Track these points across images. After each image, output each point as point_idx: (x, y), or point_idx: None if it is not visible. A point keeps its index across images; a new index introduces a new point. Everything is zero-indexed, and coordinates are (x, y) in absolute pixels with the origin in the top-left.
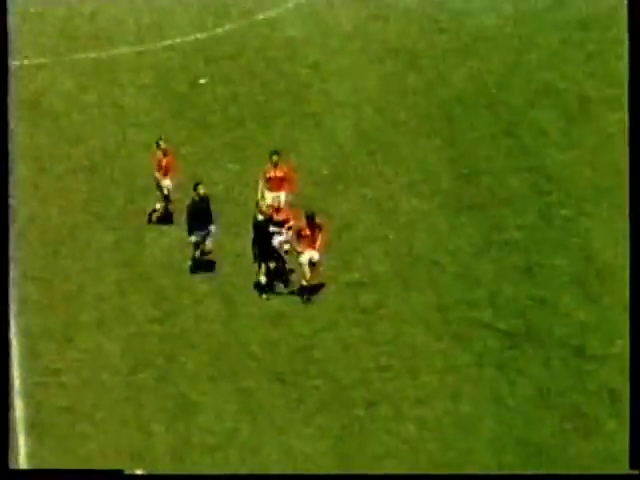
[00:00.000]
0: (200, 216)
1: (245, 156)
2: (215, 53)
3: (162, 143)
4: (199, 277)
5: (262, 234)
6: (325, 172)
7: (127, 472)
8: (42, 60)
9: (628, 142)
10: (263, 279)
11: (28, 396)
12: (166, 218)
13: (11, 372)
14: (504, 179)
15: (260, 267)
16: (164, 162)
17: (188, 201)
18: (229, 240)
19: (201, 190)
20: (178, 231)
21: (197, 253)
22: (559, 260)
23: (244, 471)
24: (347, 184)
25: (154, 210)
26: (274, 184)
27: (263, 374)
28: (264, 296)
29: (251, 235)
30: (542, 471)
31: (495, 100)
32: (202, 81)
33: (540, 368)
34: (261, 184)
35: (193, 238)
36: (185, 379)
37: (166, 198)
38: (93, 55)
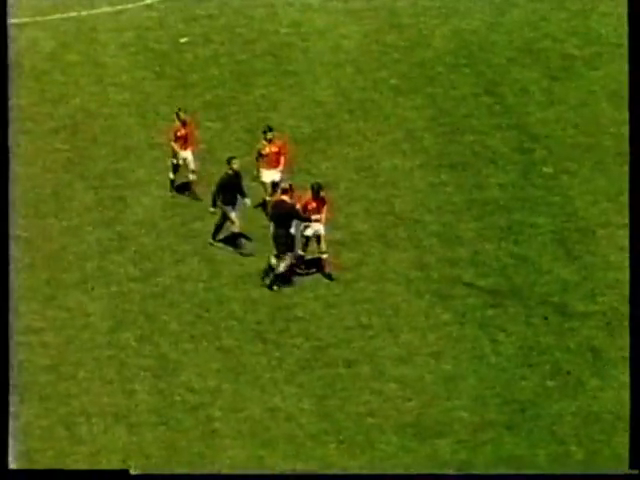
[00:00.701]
0: (231, 190)
1: (226, 115)
2: (195, 12)
3: (182, 114)
4: (180, 236)
5: (287, 223)
6: (306, 131)
7: (132, 472)
8: (23, 20)
9: (629, 141)
10: (282, 268)
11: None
12: (184, 189)
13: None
14: (486, 137)
15: (282, 257)
16: (182, 132)
17: (221, 175)
18: (210, 199)
19: (235, 165)
20: (161, 190)
21: (225, 225)
22: (541, 218)
23: (228, 431)
24: (328, 143)
25: (171, 180)
26: (271, 160)
27: (245, 333)
28: (275, 287)
29: (271, 227)
30: (524, 428)
31: (476, 59)
32: (183, 40)
33: (522, 326)
34: (258, 163)
35: (212, 210)
36: (167, 338)
37: (175, 168)
38: (74, 14)
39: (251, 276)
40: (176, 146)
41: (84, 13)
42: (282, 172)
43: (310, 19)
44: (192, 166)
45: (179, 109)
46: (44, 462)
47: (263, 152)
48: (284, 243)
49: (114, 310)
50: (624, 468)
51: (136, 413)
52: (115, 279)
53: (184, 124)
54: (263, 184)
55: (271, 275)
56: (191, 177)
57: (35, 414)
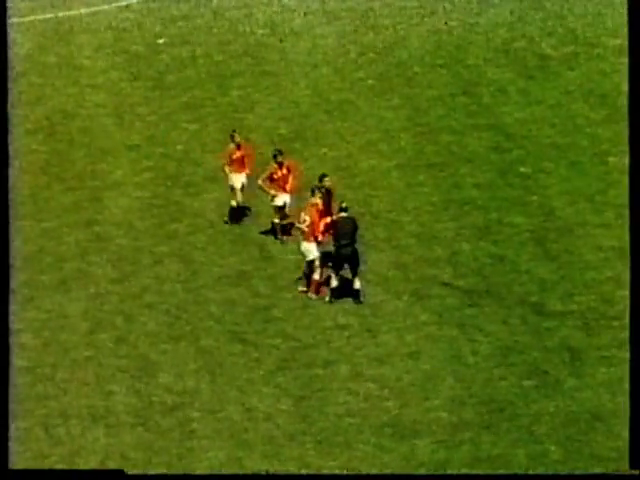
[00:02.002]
0: None
1: (202, 116)
2: (172, 13)
3: (237, 136)
4: (158, 237)
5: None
6: (283, 131)
7: (128, 472)
8: None
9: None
10: (335, 284)
11: None
12: (238, 216)
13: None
14: (463, 137)
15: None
16: (237, 155)
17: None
18: (188, 200)
19: (327, 183)
20: (138, 192)
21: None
22: (518, 218)
23: (206, 432)
24: (305, 143)
25: (231, 208)
26: (282, 184)
27: (223, 334)
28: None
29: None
30: (502, 427)
31: (453, 59)
32: (160, 41)
33: (500, 326)
34: (267, 186)
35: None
36: (145, 339)
37: (232, 190)
38: (50, 16)
39: (229, 277)
40: (228, 169)
41: (61, 14)
42: (291, 194)
43: (287, 20)
44: (239, 193)
45: (234, 131)
46: (22, 464)
47: (275, 176)
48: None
49: (92, 311)
50: (613, 467)
51: (114, 414)
52: (93, 280)
53: (238, 147)
54: (275, 207)
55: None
56: (236, 202)
57: (13, 415)
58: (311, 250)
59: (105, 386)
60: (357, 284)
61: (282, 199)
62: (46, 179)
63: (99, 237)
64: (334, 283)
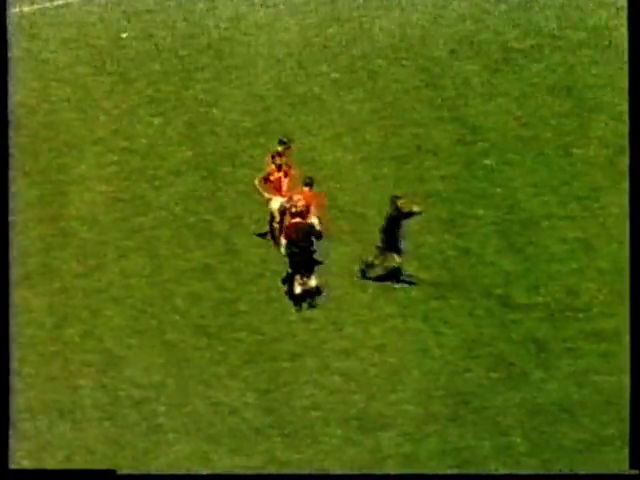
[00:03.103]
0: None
1: (167, 110)
2: (136, 7)
3: (278, 159)
4: (123, 232)
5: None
6: (247, 125)
7: (119, 472)
8: None
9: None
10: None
11: None
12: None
13: None
14: (427, 130)
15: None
16: (274, 177)
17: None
18: (154, 194)
19: (403, 205)
20: (103, 186)
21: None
22: (483, 210)
23: (173, 426)
24: (269, 137)
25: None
26: (277, 186)
27: (188, 327)
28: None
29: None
30: (468, 420)
31: (417, 52)
32: (123, 35)
33: (465, 318)
34: (262, 187)
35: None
36: (111, 333)
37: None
38: (15, 10)
39: (194, 271)
40: (261, 188)
41: (25, 9)
42: (286, 196)
43: (250, 13)
44: (276, 215)
45: (277, 152)
46: None
47: (272, 177)
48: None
49: (57, 306)
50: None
51: (80, 409)
52: (58, 275)
53: (279, 168)
54: (271, 211)
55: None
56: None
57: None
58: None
59: (71, 381)
60: (313, 282)
61: (277, 202)
62: (11, 173)
63: (64, 231)
64: (298, 290)
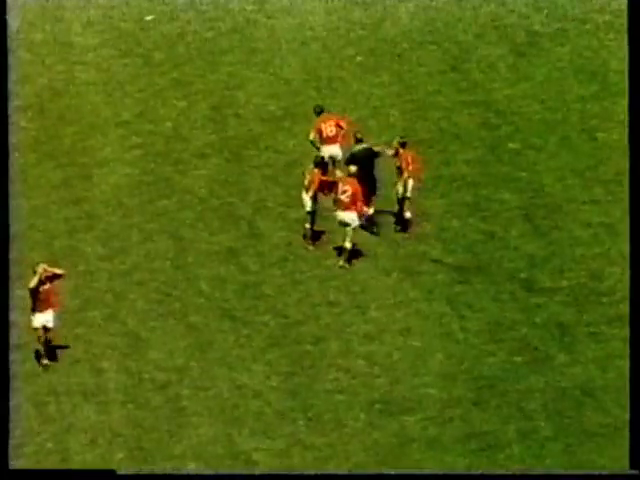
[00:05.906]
0: None
1: (192, 93)
2: None
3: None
4: (148, 214)
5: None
6: (272, 108)
7: (119, 472)
8: None
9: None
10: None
11: None
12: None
13: None
14: (452, 114)
15: None
16: (315, 178)
17: None
18: (178, 177)
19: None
20: (127, 169)
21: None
22: (507, 194)
23: (196, 409)
24: (294, 120)
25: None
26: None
27: (212, 311)
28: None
29: None
30: (492, 403)
31: (442, 35)
32: (148, 18)
33: (489, 302)
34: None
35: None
36: (135, 317)
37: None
38: None
39: (218, 254)
40: (305, 192)
41: None
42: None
43: None
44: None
45: (322, 158)
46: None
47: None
48: None
49: (82, 289)
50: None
51: (104, 391)
52: (83, 258)
53: (323, 172)
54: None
55: None
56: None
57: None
58: (353, 219)
59: (95, 364)
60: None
61: (329, 150)
62: (36, 156)
63: (88, 214)
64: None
